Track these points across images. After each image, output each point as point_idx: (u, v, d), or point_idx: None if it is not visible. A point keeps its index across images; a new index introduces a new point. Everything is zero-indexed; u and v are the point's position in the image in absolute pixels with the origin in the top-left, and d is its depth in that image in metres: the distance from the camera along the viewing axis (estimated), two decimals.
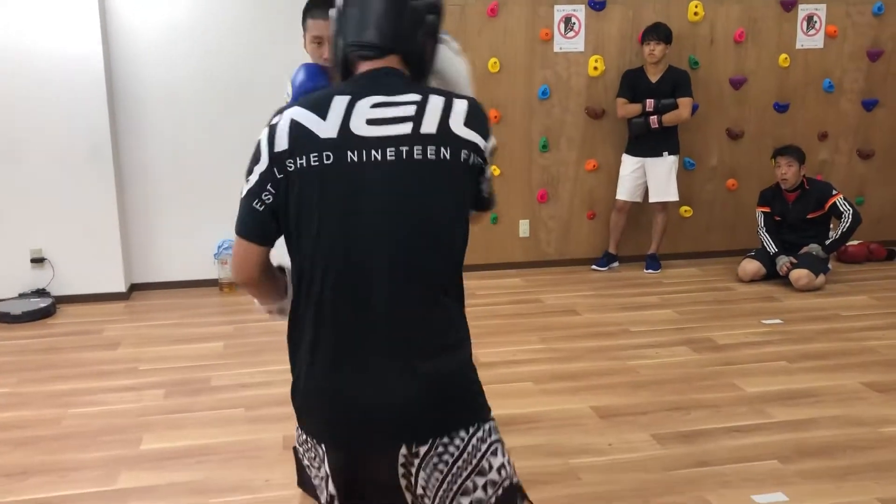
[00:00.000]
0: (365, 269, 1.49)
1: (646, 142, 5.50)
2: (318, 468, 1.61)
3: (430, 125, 1.50)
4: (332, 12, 1.62)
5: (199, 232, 5.32)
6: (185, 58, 5.14)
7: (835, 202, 5.30)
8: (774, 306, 4.93)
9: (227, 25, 5.14)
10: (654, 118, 5.38)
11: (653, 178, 5.56)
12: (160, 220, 5.35)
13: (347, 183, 1.48)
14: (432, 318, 1.53)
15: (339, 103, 1.51)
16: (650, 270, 5.73)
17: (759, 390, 3.63)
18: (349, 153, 1.48)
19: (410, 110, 1.50)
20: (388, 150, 1.48)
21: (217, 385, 3.77)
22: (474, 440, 1.54)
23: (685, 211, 5.96)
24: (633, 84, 5.48)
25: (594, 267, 5.83)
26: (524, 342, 4.30)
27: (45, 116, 4.91)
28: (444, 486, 1.52)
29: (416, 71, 1.62)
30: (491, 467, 1.55)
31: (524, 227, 5.85)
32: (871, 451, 3.05)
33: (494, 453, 1.56)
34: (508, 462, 1.58)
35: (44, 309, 4.87)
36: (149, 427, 3.32)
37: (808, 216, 5.37)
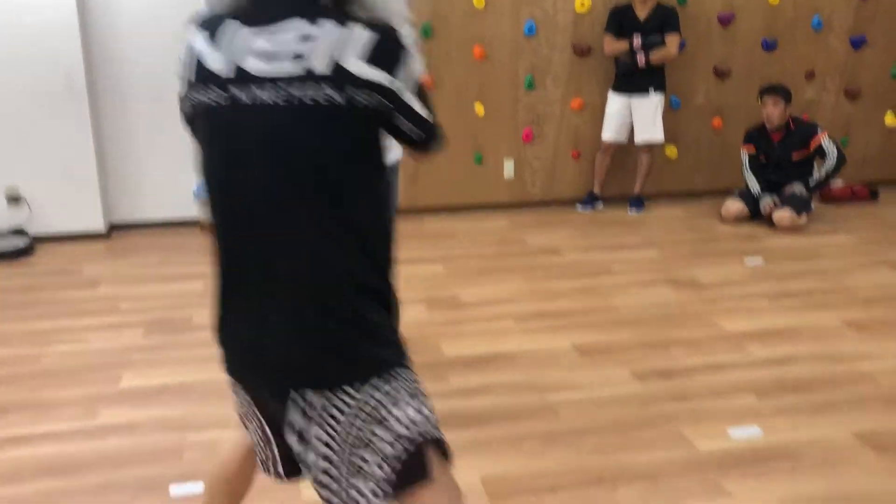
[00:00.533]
0: (250, 219, 1.41)
1: (632, 79, 5.43)
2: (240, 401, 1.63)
3: (321, 63, 1.33)
4: None
5: (180, 170, 5.23)
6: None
7: (820, 142, 5.28)
8: (757, 246, 4.94)
9: None
10: (640, 55, 5.30)
11: (639, 116, 5.50)
12: (140, 158, 5.26)
13: (232, 128, 1.39)
14: (322, 268, 1.40)
15: (230, 29, 1.40)
16: (634, 211, 5.72)
17: (739, 328, 3.65)
18: (235, 93, 1.37)
19: (300, 44, 1.35)
20: (275, 92, 1.34)
21: (198, 324, 3.75)
22: (368, 388, 1.42)
23: (670, 151, 5.92)
24: (620, 20, 5.38)
25: (578, 208, 5.80)
26: (507, 282, 4.30)
27: (13, 47, 4.76)
28: (341, 437, 1.42)
29: None
30: (384, 418, 1.43)
31: (509, 168, 5.80)
32: (848, 387, 3.09)
33: (396, 404, 1.43)
34: (420, 414, 1.45)
35: (22, 248, 4.81)
36: (128, 365, 3.31)
37: (793, 156, 5.35)
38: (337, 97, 1.33)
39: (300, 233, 1.38)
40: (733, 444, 2.69)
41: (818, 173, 5.35)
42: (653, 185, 5.85)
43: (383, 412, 1.43)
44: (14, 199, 4.99)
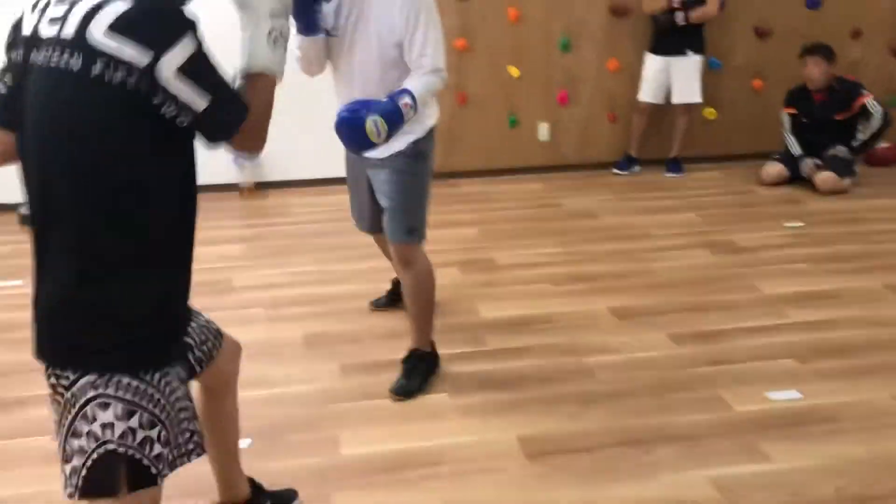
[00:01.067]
0: (32, 184, 1.45)
1: (670, 40, 5.33)
2: None
3: (70, 28, 1.32)
4: None
5: None
6: None
7: (864, 103, 5.15)
8: (797, 209, 4.87)
9: None
10: (680, 14, 5.19)
11: (676, 77, 5.41)
12: None
13: (26, 86, 1.40)
14: (79, 248, 1.41)
15: None
16: (672, 174, 5.66)
17: (779, 292, 3.61)
18: (30, 54, 1.39)
19: (63, 9, 1.35)
20: (43, 53, 1.36)
21: (238, 286, 3.82)
22: (82, 383, 1.42)
23: (709, 113, 5.82)
24: None
25: (615, 170, 5.75)
26: (542, 245, 4.29)
27: None
28: (62, 417, 1.47)
29: None
30: (95, 419, 1.42)
31: (543, 131, 5.76)
32: (889, 351, 3.05)
33: (103, 407, 1.42)
34: (123, 426, 1.42)
35: None
36: None
37: (836, 117, 5.23)
38: (74, 61, 1.31)
39: (67, 209, 1.40)
40: (772, 407, 2.68)
41: (862, 135, 5.23)
42: (690, 147, 5.76)
43: (88, 410, 1.43)
44: None
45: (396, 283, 3.41)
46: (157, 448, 1.47)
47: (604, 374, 2.94)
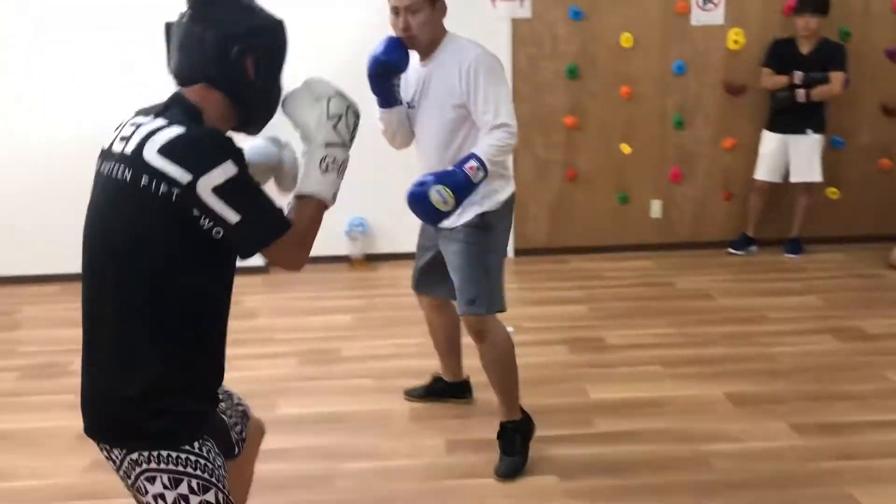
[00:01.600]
0: (85, 276, 1.62)
1: (789, 117, 5.19)
2: None
3: (130, 146, 1.52)
4: None
5: (330, 209, 5.45)
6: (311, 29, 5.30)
7: None
8: None
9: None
10: (801, 91, 5.06)
11: (795, 156, 5.25)
12: None
13: (92, 192, 1.62)
14: (118, 338, 1.56)
15: (127, 119, 1.63)
16: (791, 255, 5.43)
17: None
18: (101, 165, 1.61)
19: (131, 130, 1.55)
20: (108, 165, 1.57)
21: (347, 356, 3.89)
22: (128, 461, 1.57)
23: (831, 193, 5.59)
24: (781, 54, 5.17)
25: (730, 250, 5.58)
26: (654, 326, 4.18)
27: None
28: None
29: (241, 107, 1.63)
30: (147, 491, 1.56)
31: (656, 208, 5.68)
32: None
33: (150, 480, 1.55)
34: (173, 495, 1.55)
35: None
36: (284, 393, 3.47)
37: None
38: (127, 174, 1.51)
39: (111, 304, 1.57)
40: None
41: None
42: (812, 227, 5.53)
43: (140, 483, 1.58)
44: None
45: (436, 379, 3.34)
46: None
47: (721, 463, 2.79)
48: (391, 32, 2.62)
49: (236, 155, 1.50)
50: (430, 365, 3.63)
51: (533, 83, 5.43)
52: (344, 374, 3.67)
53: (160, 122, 1.53)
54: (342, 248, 5.56)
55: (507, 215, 2.79)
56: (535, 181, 5.59)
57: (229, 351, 4.13)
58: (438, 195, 2.40)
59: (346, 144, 1.69)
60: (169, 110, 1.57)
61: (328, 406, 3.32)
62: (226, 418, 1.85)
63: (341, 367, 3.74)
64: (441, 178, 2.43)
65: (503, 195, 2.73)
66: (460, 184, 2.43)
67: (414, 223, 5.48)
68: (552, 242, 5.71)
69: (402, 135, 2.81)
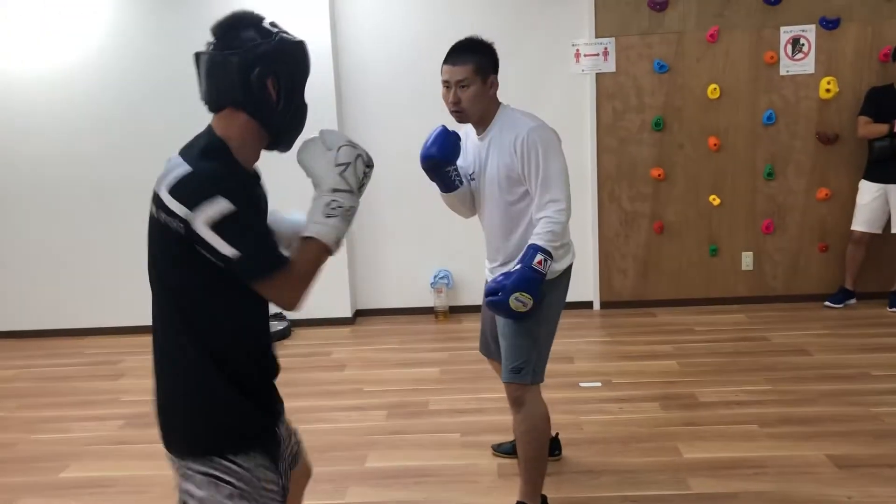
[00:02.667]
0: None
1: (889, 166, 5.02)
2: None
3: (158, 185, 1.65)
4: None
5: (416, 262, 5.58)
6: (406, 91, 5.45)
7: None
8: None
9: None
10: None
11: None
12: (382, 252, 5.67)
13: None
14: (163, 353, 1.75)
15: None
16: (895, 309, 5.20)
17: None
18: (151, 205, 1.71)
19: (163, 171, 1.68)
20: (151, 205, 1.69)
21: (434, 409, 3.90)
22: (175, 464, 1.76)
23: None
24: (879, 102, 5.04)
25: (828, 303, 5.38)
26: (748, 382, 4.05)
27: (287, 158, 5.38)
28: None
29: (267, 127, 1.73)
30: (186, 490, 1.73)
31: (747, 260, 5.54)
32: None
33: (186, 478, 1.73)
34: (202, 494, 1.69)
35: (281, 331, 5.32)
36: (373, 446, 3.50)
37: None
38: (153, 211, 1.66)
39: (156, 322, 1.77)
40: None
41: None
42: None
43: (185, 485, 1.74)
44: None
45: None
46: None
47: None
48: None
49: (230, 192, 1.59)
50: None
51: (618, 136, 5.43)
52: (431, 427, 3.68)
53: (177, 160, 1.66)
54: (427, 300, 5.63)
55: (561, 285, 2.74)
56: (621, 233, 5.55)
57: (319, 402, 4.24)
58: (518, 301, 2.47)
59: (354, 191, 1.75)
60: (191, 147, 1.70)
61: (416, 460, 3.34)
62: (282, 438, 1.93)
63: (428, 421, 3.76)
64: (516, 283, 2.47)
65: (560, 265, 2.69)
66: (535, 284, 2.48)
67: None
68: (639, 295, 5.64)
69: (467, 209, 2.89)
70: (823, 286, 5.50)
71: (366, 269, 5.72)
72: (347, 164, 1.73)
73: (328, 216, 1.70)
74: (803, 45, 5.26)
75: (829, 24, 5.23)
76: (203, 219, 1.57)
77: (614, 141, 5.44)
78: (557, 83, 5.40)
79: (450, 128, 2.75)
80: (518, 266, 2.50)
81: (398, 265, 5.66)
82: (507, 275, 2.52)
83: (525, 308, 2.48)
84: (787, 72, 5.31)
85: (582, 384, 4.12)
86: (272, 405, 1.87)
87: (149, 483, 3.23)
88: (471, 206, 2.86)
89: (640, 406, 3.80)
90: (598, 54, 5.36)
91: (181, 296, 1.68)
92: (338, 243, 1.73)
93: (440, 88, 2.67)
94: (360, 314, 5.76)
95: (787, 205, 5.47)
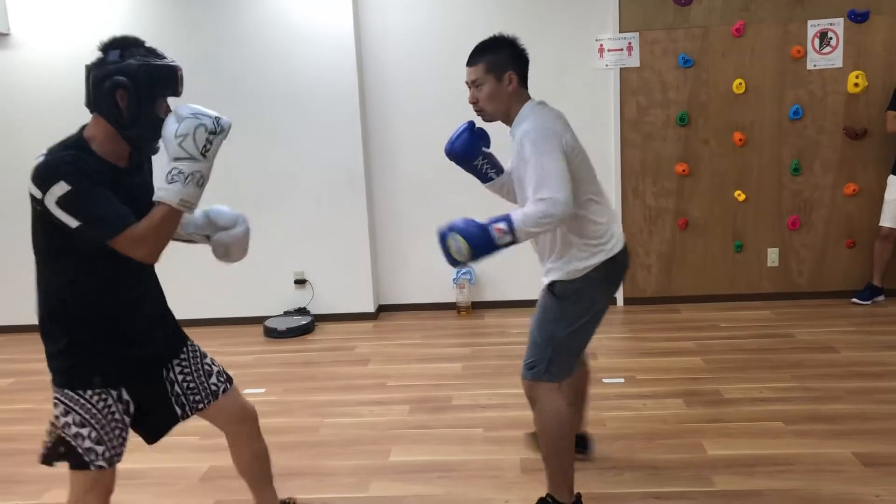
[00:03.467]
0: None
1: None
2: None
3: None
4: None
5: (439, 257, 5.55)
6: (429, 86, 5.46)
7: None
8: None
9: None
10: None
11: None
12: (405, 247, 5.69)
13: None
14: (37, 306, 2.15)
15: None
16: None
17: None
18: None
19: None
20: None
21: (457, 404, 3.91)
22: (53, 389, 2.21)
23: None
24: None
25: (855, 300, 5.32)
26: (773, 379, 4.01)
27: (309, 151, 5.43)
28: None
29: (121, 132, 2.05)
30: (55, 412, 2.17)
31: (773, 256, 5.49)
32: None
33: (55, 405, 2.16)
34: (63, 420, 2.13)
35: (305, 326, 5.36)
36: (396, 440, 3.52)
37: None
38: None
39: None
40: None
41: None
42: None
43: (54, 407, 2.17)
44: (300, 282, 5.60)
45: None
46: (88, 443, 2.12)
47: None
48: None
49: (69, 176, 1.92)
50: None
51: (642, 131, 5.40)
52: (454, 422, 3.69)
53: (40, 152, 1.99)
54: (450, 295, 5.64)
55: (584, 288, 2.63)
56: (645, 229, 5.53)
57: (342, 396, 4.25)
58: (455, 243, 2.40)
59: (196, 157, 2.01)
60: (58, 143, 2.03)
61: (440, 455, 3.35)
62: (171, 388, 2.33)
63: (452, 416, 3.77)
64: (466, 229, 2.39)
65: (579, 265, 2.60)
66: (479, 240, 2.37)
67: (518, 272, 5.53)
68: (663, 291, 5.61)
69: (510, 199, 2.91)
70: (850, 283, 5.44)
71: (389, 265, 5.74)
72: (185, 136, 1.98)
73: (170, 182, 1.98)
74: (831, 38, 5.20)
75: (857, 18, 5.16)
76: (51, 199, 1.92)
77: (638, 136, 5.41)
78: (581, 78, 5.38)
79: (478, 123, 2.76)
80: (486, 221, 2.41)
81: (421, 260, 5.67)
82: (465, 220, 2.43)
83: (458, 257, 2.42)
84: (815, 66, 5.25)
85: (605, 380, 4.11)
86: (128, 351, 2.19)
87: (172, 476, 3.27)
88: (511, 197, 2.88)
89: (664, 402, 3.78)
90: (622, 49, 5.33)
91: (46, 256, 2.10)
92: (184, 204, 2.01)
93: (464, 83, 2.70)
94: (383, 309, 5.78)
95: (813, 200, 5.42)
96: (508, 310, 5.62)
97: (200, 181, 2.03)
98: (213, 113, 2.05)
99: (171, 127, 2.00)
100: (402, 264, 5.73)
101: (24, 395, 4.40)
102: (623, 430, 3.49)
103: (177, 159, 1.99)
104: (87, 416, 2.12)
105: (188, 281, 5.65)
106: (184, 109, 2.03)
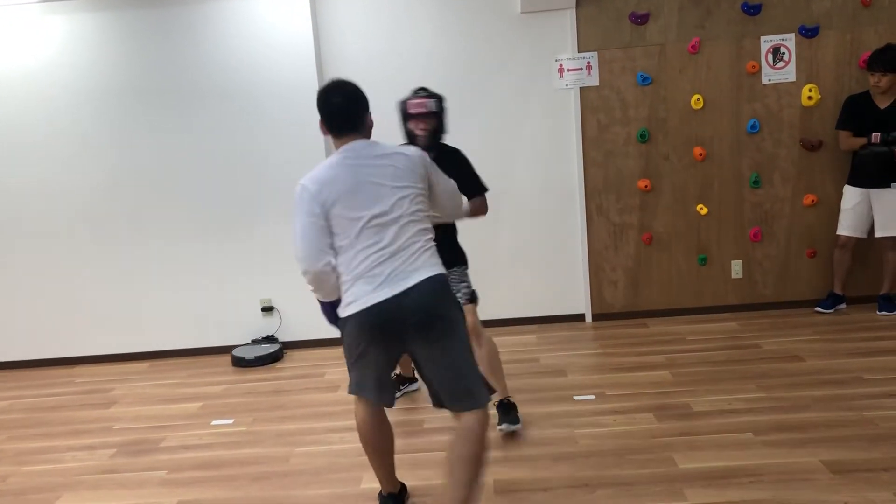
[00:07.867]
0: None
1: (872, 172, 5.06)
2: None
3: None
4: None
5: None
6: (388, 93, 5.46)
7: None
8: None
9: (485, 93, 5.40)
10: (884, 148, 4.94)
11: (879, 210, 5.09)
12: None
13: None
14: None
15: None
16: (884, 312, 5.22)
17: None
18: None
19: None
20: None
21: (429, 427, 3.88)
22: None
23: None
24: (857, 112, 5.08)
25: (818, 309, 5.40)
26: (742, 390, 4.05)
27: (274, 175, 5.40)
28: None
29: None
30: None
31: (737, 268, 5.57)
32: None
33: None
34: None
35: (273, 354, 5.30)
36: (367, 467, 3.46)
37: None
38: None
39: None
40: None
41: None
42: None
43: None
44: (268, 310, 5.54)
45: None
46: None
47: None
48: None
49: None
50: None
51: (604, 149, 5.46)
52: (427, 446, 3.65)
53: None
54: None
55: (346, 327, 2.77)
56: (611, 245, 5.57)
57: (313, 424, 4.19)
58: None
59: None
60: None
61: (413, 480, 3.31)
62: None
63: (425, 440, 3.73)
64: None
65: (342, 311, 2.78)
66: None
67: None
68: (630, 306, 5.65)
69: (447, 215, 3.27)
70: (813, 292, 5.53)
71: None
72: None
73: None
74: (784, 53, 5.32)
75: (808, 33, 5.28)
76: None
77: (600, 154, 5.47)
78: (542, 98, 5.43)
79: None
80: None
81: None
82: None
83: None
84: (769, 80, 5.36)
85: (576, 397, 4.11)
86: None
87: None
88: (444, 215, 3.22)
89: (635, 417, 3.79)
90: (581, 68, 5.39)
91: None
92: None
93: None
94: None
95: (774, 212, 5.51)
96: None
97: None
98: None
99: None
100: None
101: None
102: (594, 447, 3.49)
103: None
104: None
105: (151, 312, 5.57)
106: None
